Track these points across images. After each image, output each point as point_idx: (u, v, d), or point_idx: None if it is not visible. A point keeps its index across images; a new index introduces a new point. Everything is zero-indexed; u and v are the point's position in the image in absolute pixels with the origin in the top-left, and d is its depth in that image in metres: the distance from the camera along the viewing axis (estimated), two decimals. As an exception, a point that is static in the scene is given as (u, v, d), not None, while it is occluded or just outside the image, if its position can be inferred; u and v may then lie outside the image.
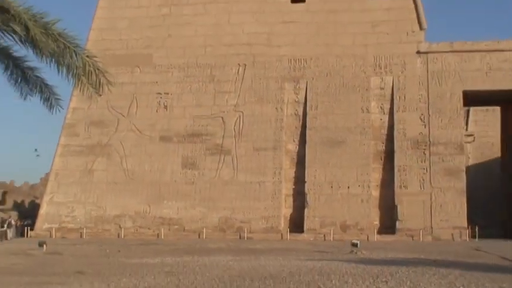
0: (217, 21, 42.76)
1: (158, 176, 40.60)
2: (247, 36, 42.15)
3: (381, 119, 40.27)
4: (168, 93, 41.98)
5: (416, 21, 40.84)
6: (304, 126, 40.62)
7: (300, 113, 40.96)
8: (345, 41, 41.34)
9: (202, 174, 40.29)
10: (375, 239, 36.53)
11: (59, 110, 18.89)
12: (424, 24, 40.72)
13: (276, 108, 40.86)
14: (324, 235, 37.54)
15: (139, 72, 42.67)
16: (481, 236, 38.46)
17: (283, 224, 39.10)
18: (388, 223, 38.47)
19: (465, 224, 37.85)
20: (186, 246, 29.51)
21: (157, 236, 38.58)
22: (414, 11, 40.97)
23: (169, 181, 40.37)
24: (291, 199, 39.96)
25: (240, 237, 37.97)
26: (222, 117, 41.18)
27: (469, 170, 46.14)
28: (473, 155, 57.24)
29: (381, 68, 40.66)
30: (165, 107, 41.91)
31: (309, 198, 38.99)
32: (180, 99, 41.85)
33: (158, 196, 40.26)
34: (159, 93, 42.07)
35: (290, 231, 38.44)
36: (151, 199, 40.30)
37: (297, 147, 40.61)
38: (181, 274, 15.62)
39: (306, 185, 39.20)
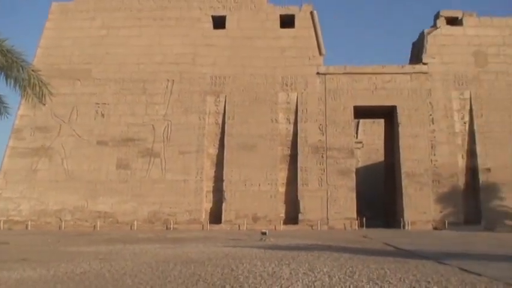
0: (149, 43, 44.98)
1: (95, 175, 42.04)
2: (175, 56, 44.62)
3: (287, 128, 43.34)
4: (105, 103, 43.70)
5: (317, 48, 44.78)
6: (223, 133, 43.14)
7: (220, 122, 43.56)
8: (258, 62, 44.39)
9: (134, 174, 42.04)
10: (281, 229, 39.08)
11: (7, 117, 19.98)
12: (323, 51, 44.74)
13: (199, 117, 43.32)
14: (239, 225, 40.16)
15: (80, 85, 44.23)
16: (367, 226, 41.67)
17: (204, 216, 41.25)
18: (292, 215, 41.41)
19: (355, 216, 41.24)
20: (118, 236, 29.66)
21: (94, 228, 39.85)
22: (315, 40, 44.92)
23: (105, 180, 41.92)
24: (211, 195, 42.30)
25: (166, 228, 39.88)
26: (153, 125, 43.18)
27: (358, 171, 49.42)
28: (362, 159, 61.68)
29: (287, 86, 43.93)
30: (102, 115, 43.49)
31: (226, 194, 41.51)
32: (115, 109, 43.62)
33: (95, 193, 41.68)
34: (97, 103, 43.69)
35: (210, 223, 40.68)
36: (89, 195, 41.62)
37: (217, 150, 43.04)
38: (113, 260, 15.65)
39: (224, 183, 41.77)
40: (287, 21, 45.78)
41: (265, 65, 44.64)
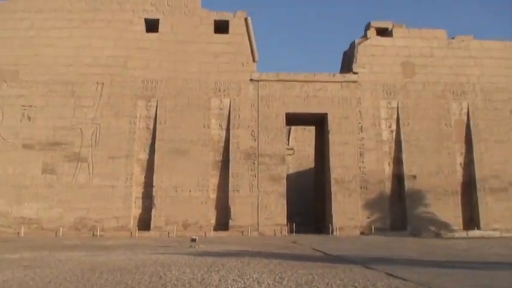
0: (79, 44, 43.79)
1: (20, 179, 40.80)
2: (106, 58, 43.52)
3: (219, 134, 43.33)
4: (32, 106, 42.19)
5: (251, 54, 44.96)
6: (154, 138, 42.48)
7: (151, 126, 42.85)
8: (192, 67, 44.12)
9: (61, 179, 40.87)
10: (212, 235, 38.87)
11: None
12: (256, 57, 44.93)
13: (130, 122, 42.56)
14: (168, 232, 39.55)
15: (7, 86, 42.76)
16: (297, 231, 42.04)
17: (132, 223, 40.55)
18: (223, 221, 41.24)
19: (285, 222, 41.22)
20: (43, 243, 29.18)
21: (18, 235, 38.60)
22: (249, 46, 45.12)
23: (30, 184, 40.67)
24: (140, 201, 41.62)
25: (93, 235, 38.81)
26: (81, 129, 42.06)
27: (289, 177, 49.64)
28: (293, 165, 62.01)
29: (220, 92, 43.87)
30: (29, 118, 42.07)
31: (156, 200, 40.91)
32: (43, 112, 42.21)
33: (20, 198, 40.43)
34: (24, 106, 42.24)
35: (139, 229, 40.01)
36: (13, 200, 40.40)
37: (147, 156, 42.38)
38: (37, 268, 15.43)
39: (154, 188, 41.16)
40: (221, 27, 45.83)
41: (199, 70, 44.63)
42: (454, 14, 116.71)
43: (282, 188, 42.90)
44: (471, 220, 43.89)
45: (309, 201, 51.60)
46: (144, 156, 42.98)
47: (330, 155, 43.96)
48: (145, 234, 39.66)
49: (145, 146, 42.98)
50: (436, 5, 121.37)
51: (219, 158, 43.42)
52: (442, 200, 43.72)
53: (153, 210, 41.17)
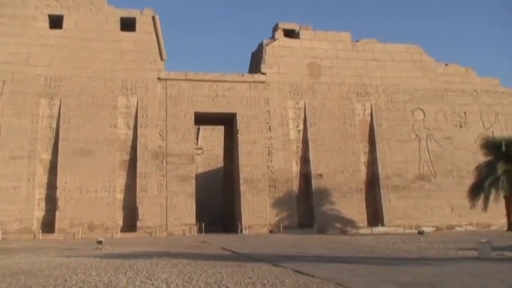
0: None
1: None
2: (7, 55, 42.07)
3: (126, 133, 42.78)
4: None
5: (158, 53, 44.50)
6: (57, 138, 41.53)
7: (54, 126, 41.83)
8: (97, 65, 43.26)
9: None
10: (119, 236, 38.19)
11: None
12: (164, 56, 44.63)
13: (32, 121, 41.32)
14: (73, 234, 38.45)
15: None
16: (207, 231, 41.82)
17: (35, 225, 39.49)
18: (131, 222, 40.95)
19: (194, 221, 41.65)
20: None
21: None
22: (157, 45, 44.61)
23: None
24: (43, 203, 40.53)
25: None
26: None
27: (198, 177, 49.64)
28: (202, 165, 62.26)
29: (127, 90, 43.29)
30: None
31: (60, 202, 39.99)
32: None
33: None
34: None
35: (42, 232, 38.81)
36: None
37: (50, 156, 41.40)
38: None
39: (58, 190, 40.25)
40: (128, 25, 45.08)
41: (104, 68, 43.67)
42: (358, 18, 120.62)
43: (191, 187, 42.90)
44: (375, 217, 45.52)
45: (218, 201, 51.73)
46: (47, 156, 41.96)
47: (239, 154, 44.32)
48: (49, 236, 38.64)
49: (49, 146, 42.12)
50: (341, 8, 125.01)
51: (126, 157, 42.95)
52: (347, 197, 45.09)
53: (57, 212, 40.29)
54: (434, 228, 44.37)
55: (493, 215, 41.66)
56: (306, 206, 44.77)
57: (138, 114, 43.36)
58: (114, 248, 25.95)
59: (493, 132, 48.08)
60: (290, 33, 48.94)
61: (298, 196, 44.89)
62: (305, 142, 45.94)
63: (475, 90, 50.84)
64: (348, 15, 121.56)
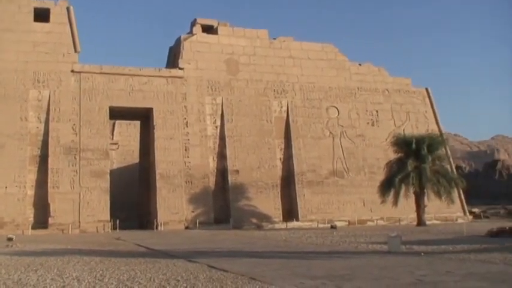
0: None
1: None
2: None
3: (38, 127, 41.52)
4: None
5: (72, 45, 43.41)
6: None
7: None
8: (8, 56, 41.82)
9: None
10: (30, 233, 37.13)
11: None
12: (78, 48, 43.58)
13: None
14: None
15: None
16: (121, 228, 41.28)
17: None
18: (42, 219, 39.83)
19: (108, 218, 41.05)
20: None
21: None
22: (71, 36, 43.51)
23: None
24: None
25: None
26: None
27: (113, 172, 48.92)
28: (117, 160, 61.08)
29: (39, 83, 42.03)
30: None
31: None
32: None
33: None
34: None
35: None
36: None
37: None
38: None
39: None
40: (42, 15, 43.67)
41: (16, 59, 42.20)
42: (276, 15, 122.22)
43: (106, 183, 42.28)
44: (290, 212, 46.37)
45: (133, 197, 50.93)
46: (-46, 151, 39.79)
47: (155, 150, 43.99)
48: (-44, 234, 36.75)
49: (-46, 140, 39.92)
50: (258, 6, 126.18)
51: (37, 152, 41.74)
52: (263, 193, 45.70)
53: (-37, 209, 38.32)
54: (347, 223, 45.70)
55: (403, 210, 43.36)
56: (222, 202, 45.00)
57: (50, 107, 42.13)
58: (25, 245, 25.38)
59: (404, 130, 49.98)
60: (208, 29, 49.00)
61: (215, 192, 45.06)
62: (222, 138, 46.15)
63: (387, 90, 52.83)
64: (265, 13, 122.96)
